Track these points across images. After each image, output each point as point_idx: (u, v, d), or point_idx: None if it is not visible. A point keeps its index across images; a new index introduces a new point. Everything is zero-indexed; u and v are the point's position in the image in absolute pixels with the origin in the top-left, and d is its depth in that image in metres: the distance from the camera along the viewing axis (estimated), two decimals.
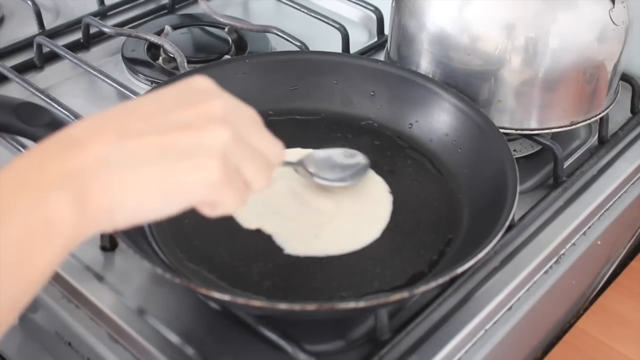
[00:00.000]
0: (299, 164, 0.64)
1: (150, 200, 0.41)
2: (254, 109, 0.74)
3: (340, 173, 0.65)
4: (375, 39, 0.92)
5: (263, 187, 0.45)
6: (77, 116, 0.74)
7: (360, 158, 0.66)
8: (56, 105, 0.75)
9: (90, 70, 0.81)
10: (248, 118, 0.45)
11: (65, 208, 0.38)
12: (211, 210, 0.44)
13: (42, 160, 0.39)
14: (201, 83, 0.45)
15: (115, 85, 0.78)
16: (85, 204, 0.39)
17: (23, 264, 0.37)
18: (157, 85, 0.78)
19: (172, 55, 0.83)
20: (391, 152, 0.70)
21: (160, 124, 0.41)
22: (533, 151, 0.75)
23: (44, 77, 0.85)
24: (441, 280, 0.52)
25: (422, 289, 0.52)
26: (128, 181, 0.40)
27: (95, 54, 0.89)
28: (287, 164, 0.62)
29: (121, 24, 0.92)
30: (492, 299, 0.61)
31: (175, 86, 0.45)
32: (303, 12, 0.92)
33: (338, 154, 0.66)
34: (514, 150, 0.74)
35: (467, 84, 0.70)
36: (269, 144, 0.46)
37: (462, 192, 0.66)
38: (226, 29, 0.91)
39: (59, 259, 0.39)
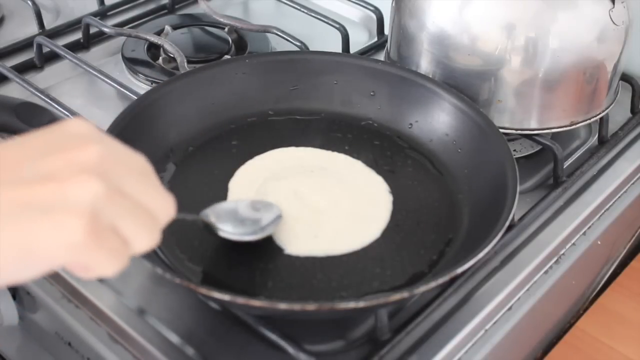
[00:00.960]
0: (198, 218, 0.57)
1: (3, 263, 0.36)
2: (254, 109, 0.74)
3: (250, 227, 0.59)
4: (375, 39, 0.92)
5: (148, 245, 0.40)
6: (77, 116, 0.74)
7: (271, 210, 0.61)
8: (56, 105, 0.75)
9: (90, 70, 0.81)
10: (132, 167, 0.40)
11: None
12: (85, 273, 0.38)
13: None
14: (78, 127, 0.39)
15: (115, 85, 0.78)
16: None
17: None
18: (156, 84, 0.78)
19: (172, 55, 0.83)
20: (391, 152, 0.70)
21: (21, 175, 0.36)
22: (533, 151, 0.75)
23: (44, 77, 0.85)
24: (441, 280, 0.52)
25: (422, 289, 0.52)
26: None
27: (95, 54, 0.89)
28: (184, 218, 0.54)
29: (121, 24, 0.92)
30: (492, 299, 0.61)
31: (49, 130, 0.39)
32: (303, 12, 0.92)
33: (245, 206, 0.60)
34: (514, 150, 0.74)
35: (467, 84, 0.70)
36: (156, 196, 0.40)
37: (462, 192, 0.66)
38: (226, 29, 0.91)
39: None
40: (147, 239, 0.40)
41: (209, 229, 0.57)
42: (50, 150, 0.38)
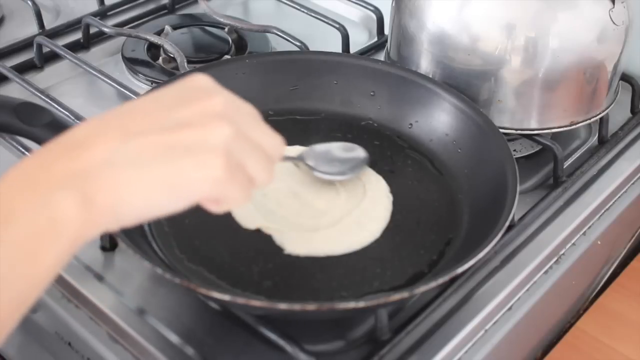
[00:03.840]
0: (298, 159, 0.64)
1: (155, 198, 0.41)
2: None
3: (340, 166, 0.65)
4: (375, 39, 0.92)
5: (266, 182, 0.45)
6: (77, 116, 0.74)
7: (359, 151, 0.67)
8: (56, 105, 0.75)
9: (90, 70, 0.81)
10: (248, 114, 0.46)
11: (71, 208, 0.38)
12: (217, 206, 0.45)
13: (48, 161, 0.39)
14: (200, 81, 0.45)
15: (115, 85, 0.78)
16: (91, 203, 0.39)
17: (30, 263, 0.38)
18: (157, 85, 0.78)
19: (172, 55, 0.83)
20: (391, 152, 0.70)
21: (162, 123, 0.42)
22: (533, 151, 0.75)
23: (44, 77, 0.85)
24: (441, 280, 0.52)
25: (422, 289, 0.52)
26: (133, 180, 0.40)
27: (95, 54, 0.89)
28: (288, 158, 0.63)
29: (121, 24, 0.92)
30: (492, 299, 0.61)
31: (175, 85, 0.45)
32: (303, 12, 0.92)
33: (337, 148, 0.67)
34: (514, 150, 0.74)
35: (467, 84, 0.70)
36: (270, 138, 0.46)
37: (462, 192, 0.66)
38: (226, 29, 0.91)
39: (65, 258, 0.39)
40: (266, 175, 0.45)
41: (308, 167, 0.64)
42: (182, 101, 0.43)
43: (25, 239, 0.37)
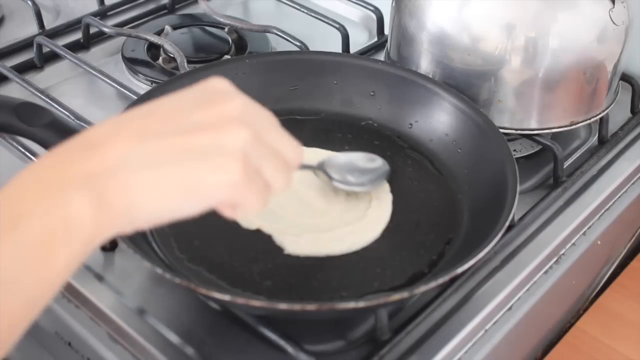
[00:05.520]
0: (317, 168, 0.63)
1: (170, 201, 0.41)
2: None
3: (360, 177, 0.64)
4: (375, 39, 0.92)
5: (284, 187, 0.45)
6: (77, 116, 0.74)
7: (380, 163, 0.65)
8: (56, 105, 0.75)
9: (90, 70, 0.81)
10: (266, 119, 0.45)
11: (85, 209, 0.38)
12: (232, 211, 0.44)
13: (63, 162, 0.39)
14: (220, 84, 0.45)
15: (115, 85, 0.78)
16: (105, 205, 0.38)
17: (42, 266, 0.37)
18: (157, 84, 0.78)
19: (172, 55, 0.83)
20: (391, 152, 0.70)
21: (179, 125, 0.41)
22: (533, 151, 0.75)
23: (44, 77, 0.85)
24: (441, 280, 0.52)
25: (422, 289, 0.52)
26: (148, 182, 0.40)
27: (95, 54, 0.89)
28: (306, 167, 0.62)
29: (121, 24, 0.92)
30: (492, 299, 0.61)
31: (194, 88, 0.44)
32: (303, 12, 0.92)
33: (359, 158, 0.65)
34: (514, 150, 0.74)
35: (467, 84, 0.70)
36: (288, 144, 0.46)
37: (462, 192, 0.66)
38: (226, 29, 0.91)
39: (78, 260, 0.39)
40: (283, 181, 0.45)
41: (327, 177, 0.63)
42: (200, 104, 0.43)
43: (37, 240, 0.37)
